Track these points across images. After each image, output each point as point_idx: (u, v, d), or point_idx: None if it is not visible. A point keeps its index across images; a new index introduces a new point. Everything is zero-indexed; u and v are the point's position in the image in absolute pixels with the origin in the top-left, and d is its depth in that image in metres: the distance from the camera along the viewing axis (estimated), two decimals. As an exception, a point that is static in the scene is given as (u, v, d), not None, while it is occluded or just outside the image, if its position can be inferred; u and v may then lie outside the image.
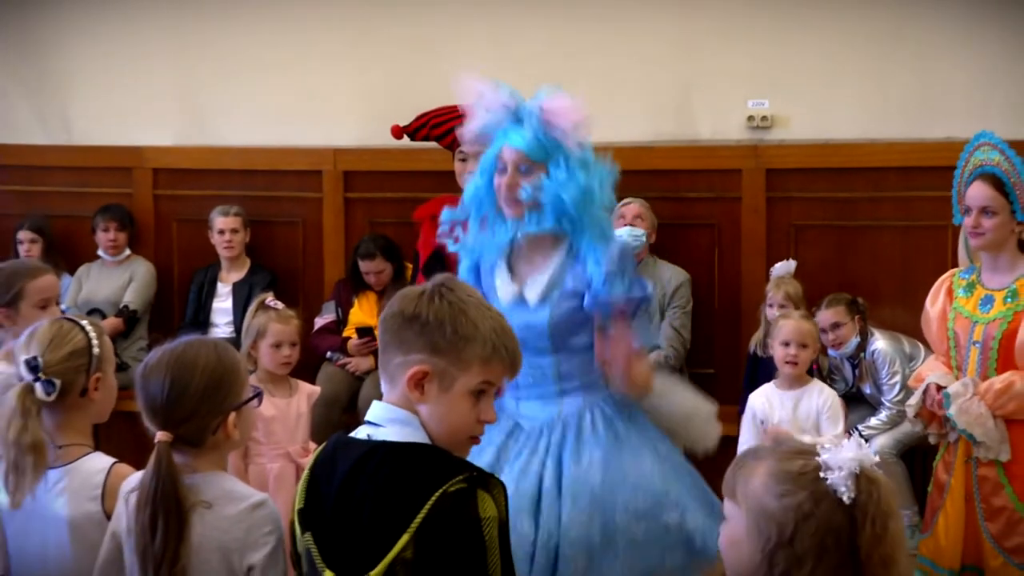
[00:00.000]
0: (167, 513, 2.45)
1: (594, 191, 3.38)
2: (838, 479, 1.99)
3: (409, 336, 2.25)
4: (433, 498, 2.12)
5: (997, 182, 3.98)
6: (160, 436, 2.51)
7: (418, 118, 5.27)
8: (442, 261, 4.97)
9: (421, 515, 2.11)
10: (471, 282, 3.48)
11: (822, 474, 2.01)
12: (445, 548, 2.12)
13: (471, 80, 3.50)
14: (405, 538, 2.10)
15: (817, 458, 2.03)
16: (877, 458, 2.05)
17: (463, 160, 4.92)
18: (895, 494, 2.05)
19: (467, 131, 3.54)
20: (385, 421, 2.26)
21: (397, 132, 5.34)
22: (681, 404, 3.60)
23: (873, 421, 5.40)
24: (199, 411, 2.54)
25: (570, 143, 3.38)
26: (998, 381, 3.93)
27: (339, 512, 2.21)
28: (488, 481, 2.18)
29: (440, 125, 5.13)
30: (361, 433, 2.28)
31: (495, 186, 3.45)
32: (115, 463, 2.86)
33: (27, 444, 2.72)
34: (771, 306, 5.55)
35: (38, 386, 2.79)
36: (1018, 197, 3.95)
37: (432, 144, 5.49)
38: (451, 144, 5.03)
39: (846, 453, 2.01)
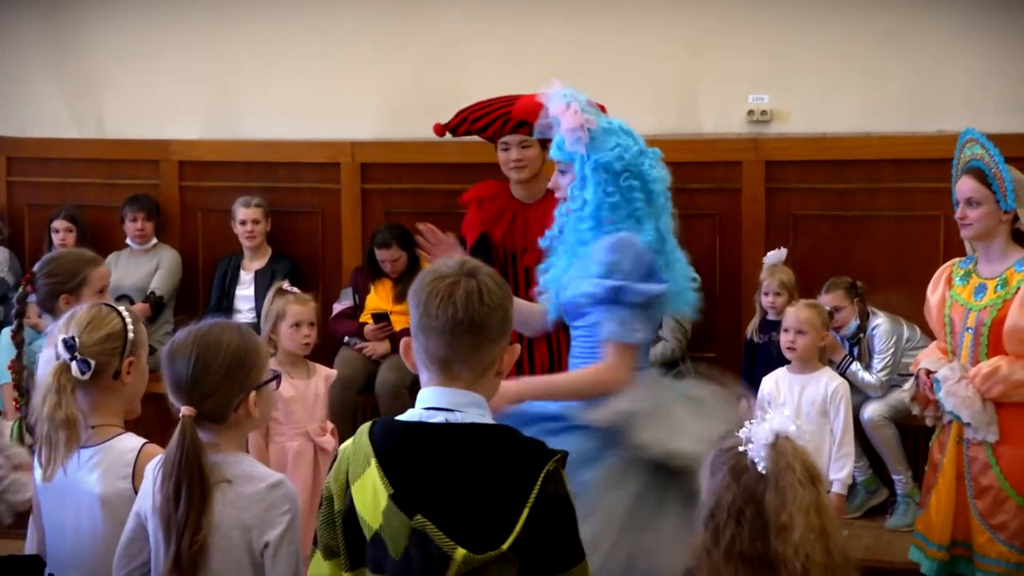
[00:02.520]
0: (191, 483, 2.52)
1: (614, 192, 3.50)
2: (754, 451, 2.07)
3: (498, 324, 2.32)
4: (542, 476, 2.19)
5: (980, 174, 4.06)
6: (185, 411, 2.57)
7: (458, 115, 5.35)
8: (487, 245, 5.12)
9: (535, 492, 2.18)
10: None
11: (741, 448, 2.09)
12: (550, 524, 2.20)
13: (554, 87, 3.67)
14: (526, 513, 2.16)
15: (740, 433, 2.10)
16: (793, 428, 2.09)
17: (505, 150, 5.10)
18: (806, 461, 2.09)
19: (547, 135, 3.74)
20: (463, 406, 2.29)
21: (439, 130, 5.42)
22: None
23: (862, 375, 5.51)
24: (222, 387, 2.60)
25: (572, 146, 3.54)
26: (986, 366, 4.01)
27: (445, 493, 2.21)
28: (565, 460, 2.26)
29: (480, 119, 5.20)
30: (437, 417, 2.29)
31: None
32: (145, 443, 2.91)
33: (61, 419, 2.76)
34: (766, 294, 5.68)
35: (74, 365, 2.83)
36: (999, 187, 4.02)
37: (446, 137, 5.59)
38: (492, 136, 5.15)
39: (765, 425, 2.07)
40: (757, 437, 2.07)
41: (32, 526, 3.13)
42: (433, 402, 2.32)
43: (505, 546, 2.16)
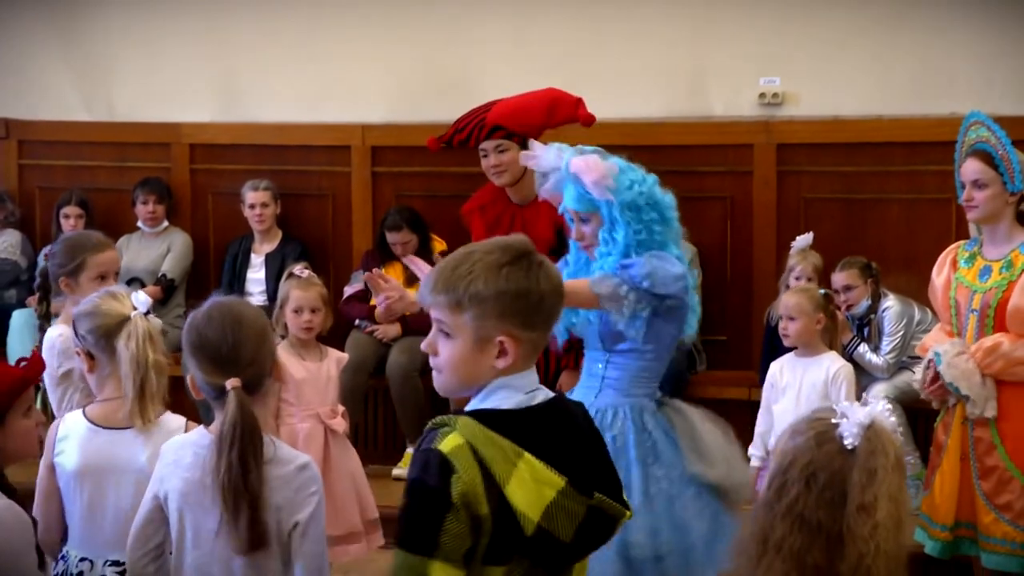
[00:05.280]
0: (256, 453, 2.57)
1: (641, 228, 3.64)
2: (846, 426, 2.07)
3: None
4: (593, 422, 2.39)
5: (986, 156, 4.09)
6: (232, 383, 2.60)
7: (452, 126, 5.44)
8: None
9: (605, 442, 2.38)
10: None
11: (834, 420, 2.09)
12: None
13: (535, 147, 3.79)
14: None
15: (837, 408, 2.12)
16: (894, 419, 2.12)
17: (484, 156, 5.16)
18: (899, 451, 2.11)
19: (543, 192, 3.83)
20: (537, 383, 2.32)
21: (433, 144, 5.54)
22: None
23: (870, 356, 5.54)
24: (259, 354, 2.67)
25: (601, 195, 3.62)
26: (988, 340, 4.07)
27: (598, 465, 2.29)
28: None
29: (462, 130, 5.31)
30: (539, 397, 2.29)
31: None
32: (188, 421, 3.02)
33: (151, 363, 2.94)
34: (798, 279, 5.61)
35: (151, 316, 3.02)
36: (1006, 169, 4.05)
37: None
38: (475, 144, 5.24)
39: (864, 407, 2.10)
40: (853, 414, 2.08)
41: (42, 512, 3.11)
42: (526, 387, 2.28)
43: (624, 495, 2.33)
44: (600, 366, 3.75)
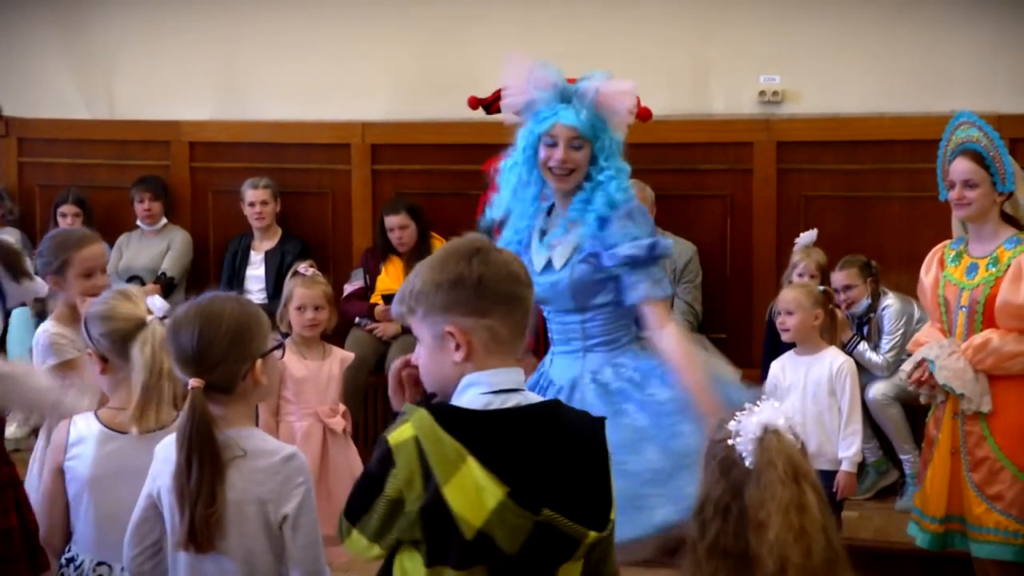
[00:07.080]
0: (202, 453, 2.53)
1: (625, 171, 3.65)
2: (741, 444, 1.98)
3: None
4: (597, 437, 2.26)
5: (977, 156, 4.14)
6: (193, 383, 2.57)
7: (495, 92, 5.39)
8: None
9: (610, 460, 2.25)
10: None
11: (730, 441, 1.99)
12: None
13: (520, 57, 3.70)
14: (612, 480, 2.23)
15: (731, 425, 2.00)
16: (782, 421, 1.99)
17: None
18: (792, 457, 1.98)
19: (510, 103, 3.73)
20: (520, 384, 2.25)
21: (474, 103, 5.46)
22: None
23: (869, 355, 5.55)
24: (229, 356, 2.60)
25: (616, 126, 3.62)
26: (978, 337, 4.11)
27: (557, 480, 2.17)
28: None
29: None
30: (511, 401, 2.21)
31: (542, 159, 3.65)
32: None
33: (166, 371, 2.87)
34: (801, 275, 5.58)
35: (167, 322, 2.88)
36: (997, 169, 4.10)
37: (456, 118, 5.63)
38: None
39: (754, 418, 1.98)
40: (745, 430, 1.98)
41: (46, 515, 3.07)
42: (497, 385, 2.22)
43: (614, 514, 2.21)
44: (577, 328, 3.66)
